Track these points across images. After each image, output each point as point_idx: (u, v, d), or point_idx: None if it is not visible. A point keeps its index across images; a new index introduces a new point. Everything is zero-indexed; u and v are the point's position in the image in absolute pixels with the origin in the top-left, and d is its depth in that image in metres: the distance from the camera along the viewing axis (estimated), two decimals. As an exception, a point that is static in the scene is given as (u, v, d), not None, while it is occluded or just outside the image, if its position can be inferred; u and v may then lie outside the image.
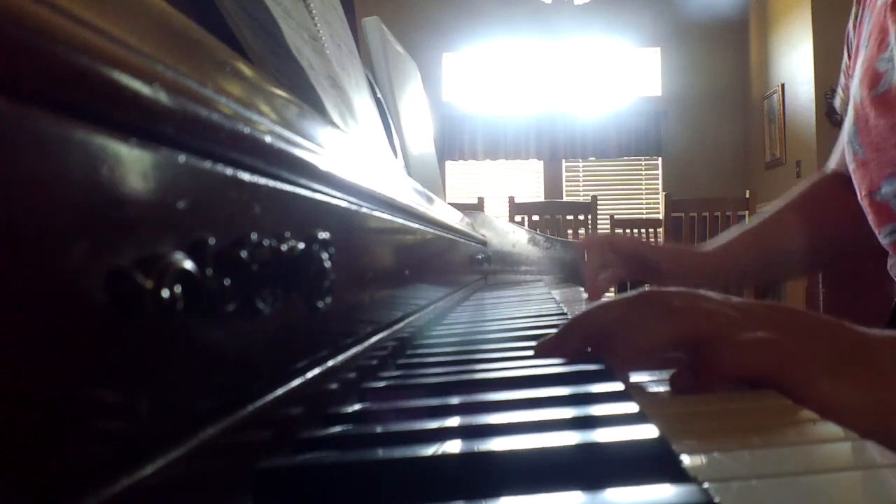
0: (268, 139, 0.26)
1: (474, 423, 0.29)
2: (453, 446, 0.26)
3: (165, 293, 0.17)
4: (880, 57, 0.75)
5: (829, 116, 4.66)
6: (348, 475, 0.24)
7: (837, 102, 0.94)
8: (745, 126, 5.86)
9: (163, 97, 0.18)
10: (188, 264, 0.18)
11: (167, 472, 0.18)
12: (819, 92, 4.66)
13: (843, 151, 0.92)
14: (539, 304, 0.92)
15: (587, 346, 0.43)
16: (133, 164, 0.17)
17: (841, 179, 0.91)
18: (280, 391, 0.27)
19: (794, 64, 4.98)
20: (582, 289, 1.17)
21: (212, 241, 0.20)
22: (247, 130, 0.24)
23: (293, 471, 0.24)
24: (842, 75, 0.92)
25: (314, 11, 0.64)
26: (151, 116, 0.18)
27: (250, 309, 0.22)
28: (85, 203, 0.16)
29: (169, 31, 0.22)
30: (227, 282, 0.20)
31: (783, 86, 5.17)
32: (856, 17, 0.87)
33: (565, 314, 0.74)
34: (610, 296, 0.86)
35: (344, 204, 0.38)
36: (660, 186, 5.87)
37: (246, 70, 0.28)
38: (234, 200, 0.23)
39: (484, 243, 1.39)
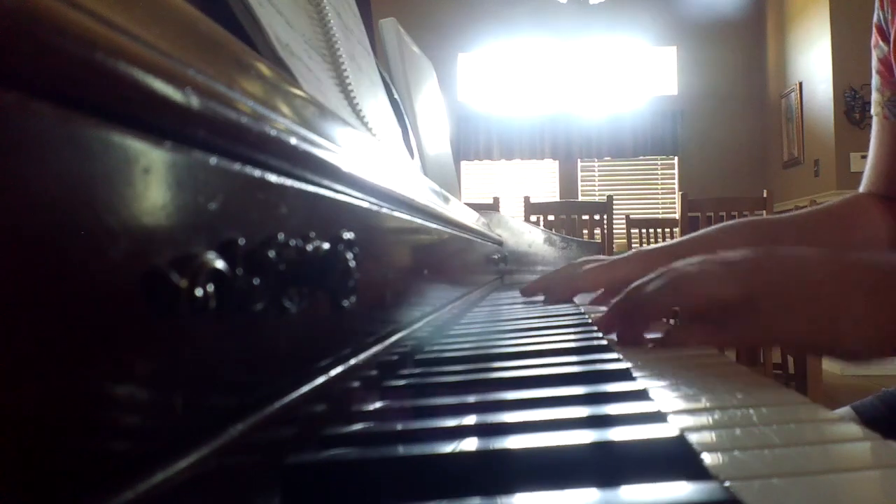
0: (293, 141, 0.26)
1: (493, 421, 0.29)
2: (473, 444, 0.26)
3: (199, 292, 0.17)
4: None
5: (847, 115, 4.62)
6: (371, 471, 0.25)
7: (873, 105, 0.90)
8: (762, 125, 5.82)
9: (194, 101, 0.19)
10: (219, 264, 0.19)
11: (200, 467, 0.19)
12: (837, 90, 4.62)
13: (874, 170, 0.90)
14: (555, 303, 0.92)
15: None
16: (168, 165, 0.18)
17: (874, 199, 0.89)
18: (305, 388, 0.27)
19: (812, 62, 4.94)
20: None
21: (241, 241, 0.20)
22: (273, 132, 0.24)
23: (319, 466, 0.25)
24: (876, 74, 0.89)
25: (329, 11, 0.64)
26: (184, 120, 0.19)
27: (278, 308, 0.23)
28: (128, 204, 0.16)
29: (198, 35, 0.22)
30: (256, 281, 0.21)
31: (801, 84, 5.13)
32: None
33: (582, 314, 0.75)
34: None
35: (365, 204, 0.38)
36: (676, 186, 5.85)
37: (268, 72, 0.28)
38: (261, 201, 0.24)
39: (500, 243, 1.39)
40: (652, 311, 0.52)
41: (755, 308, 0.45)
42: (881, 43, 0.87)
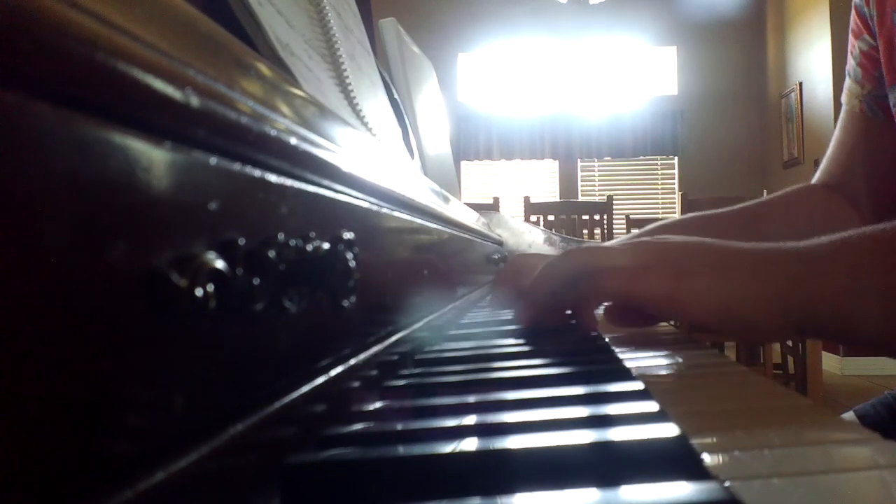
0: (293, 141, 0.26)
1: (493, 421, 0.29)
2: (473, 444, 0.26)
3: (199, 292, 0.17)
4: None
5: (847, 115, 4.61)
6: (371, 471, 0.25)
7: (846, 95, 0.88)
8: (762, 125, 5.82)
9: (194, 101, 0.19)
10: (220, 264, 0.19)
11: (200, 467, 0.19)
12: (837, 90, 4.62)
13: (833, 160, 0.90)
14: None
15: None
16: (168, 165, 0.18)
17: (823, 190, 0.89)
18: (305, 388, 0.27)
19: (812, 62, 4.94)
20: None
21: (241, 241, 0.20)
22: (273, 132, 0.24)
23: (319, 466, 0.25)
24: (857, 66, 0.87)
25: (329, 11, 0.64)
26: (184, 120, 0.19)
27: (278, 308, 0.23)
28: (128, 204, 0.16)
29: (198, 35, 0.22)
30: (256, 281, 0.21)
31: (801, 84, 5.13)
32: None
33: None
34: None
35: (365, 204, 0.38)
36: (676, 186, 5.85)
37: (268, 72, 0.28)
38: (261, 201, 0.24)
39: (500, 243, 1.39)
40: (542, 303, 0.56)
41: (650, 275, 0.49)
42: (865, 35, 0.85)
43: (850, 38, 0.88)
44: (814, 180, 0.93)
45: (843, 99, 0.89)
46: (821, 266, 0.46)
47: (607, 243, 0.56)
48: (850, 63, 0.88)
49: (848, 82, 0.89)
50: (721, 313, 0.47)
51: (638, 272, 0.49)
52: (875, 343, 0.45)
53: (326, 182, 0.31)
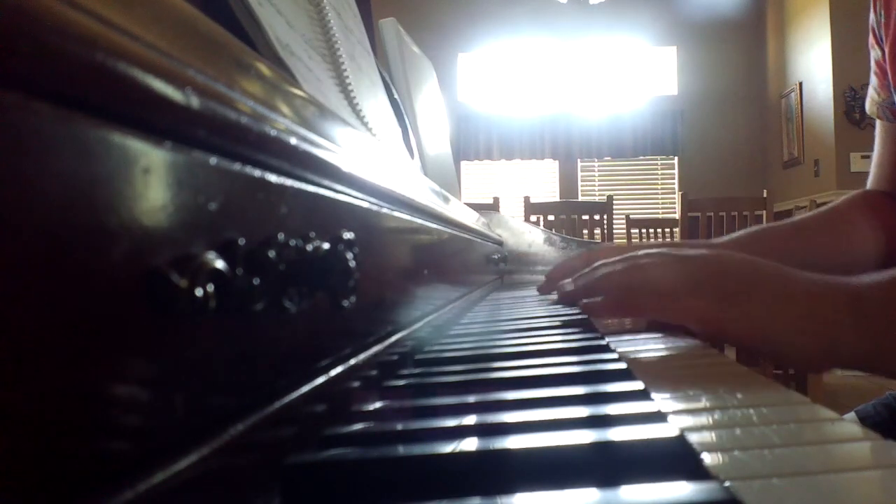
0: (293, 141, 0.26)
1: (493, 421, 0.29)
2: (473, 444, 0.26)
3: (199, 292, 0.17)
4: None
5: (847, 115, 4.62)
6: (371, 471, 0.25)
7: (868, 104, 0.91)
8: (762, 125, 5.82)
9: (194, 101, 0.19)
10: (220, 264, 0.19)
11: (200, 467, 0.19)
12: (837, 90, 4.62)
13: (878, 168, 0.91)
14: (556, 303, 0.92)
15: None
16: (168, 165, 0.18)
17: (879, 196, 0.90)
18: (305, 388, 0.27)
19: (812, 62, 4.94)
20: None
21: (241, 241, 0.20)
22: (273, 132, 0.24)
23: (319, 466, 0.25)
24: (873, 75, 0.90)
25: (329, 11, 0.64)
26: (184, 120, 0.19)
27: (278, 308, 0.23)
28: (128, 204, 0.16)
29: (198, 35, 0.22)
30: (256, 281, 0.21)
31: (801, 84, 5.13)
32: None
33: (580, 312, 0.74)
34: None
35: (365, 204, 0.38)
36: (676, 186, 5.85)
37: (268, 72, 0.28)
38: (261, 201, 0.24)
39: (500, 243, 1.39)
40: (605, 288, 0.58)
41: (698, 297, 0.50)
42: (875, 46, 0.88)
43: (870, 52, 0.90)
44: (868, 186, 0.94)
45: (867, 109, 0.92)
46: (878, 305, 0.46)
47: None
48: (871, 76, 0.91)
49: (870, 91, 0.92)
50: (768, 341, 0.47)
51: (684, 296, 0.50)
52: None
53: (326, 182, 0.31)
